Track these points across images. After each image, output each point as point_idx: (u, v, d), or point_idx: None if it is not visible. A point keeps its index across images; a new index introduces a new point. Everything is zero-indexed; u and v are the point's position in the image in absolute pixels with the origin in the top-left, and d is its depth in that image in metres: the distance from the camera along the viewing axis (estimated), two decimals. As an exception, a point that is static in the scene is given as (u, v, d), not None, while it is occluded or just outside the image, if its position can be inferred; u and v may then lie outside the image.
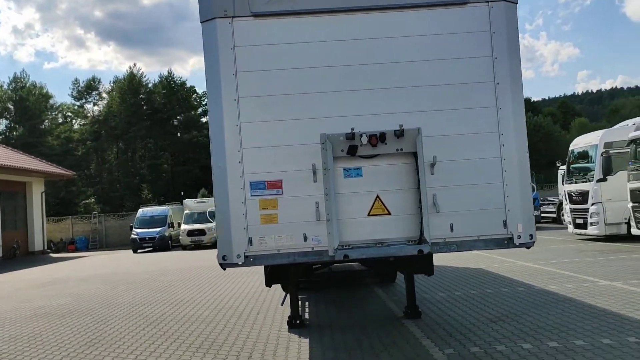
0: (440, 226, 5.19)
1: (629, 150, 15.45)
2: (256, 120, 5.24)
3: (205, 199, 31.94)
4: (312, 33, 5.26)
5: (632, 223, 15.65)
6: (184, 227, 30.65)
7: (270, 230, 5.22)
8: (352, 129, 5.13)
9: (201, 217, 29.81)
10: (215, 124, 5.25)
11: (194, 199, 33.81)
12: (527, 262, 14.59)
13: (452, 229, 5.19)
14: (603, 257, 15.44)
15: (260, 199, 5.23)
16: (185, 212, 31.69)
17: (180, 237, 30.73)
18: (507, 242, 5.29)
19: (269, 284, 9.18)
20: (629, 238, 17.41)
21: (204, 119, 57.96)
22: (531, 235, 5.28)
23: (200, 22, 5.33)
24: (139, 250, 30.74)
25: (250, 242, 5.21)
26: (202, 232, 29.99)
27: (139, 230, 31.21)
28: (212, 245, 30.90)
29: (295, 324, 8.72)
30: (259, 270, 17.55)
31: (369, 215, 5.25)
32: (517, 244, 5.26)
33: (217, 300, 12.46)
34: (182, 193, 37.10)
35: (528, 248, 5.42)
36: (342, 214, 5.21)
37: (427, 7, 5.28)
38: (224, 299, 12.49)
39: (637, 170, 15.04)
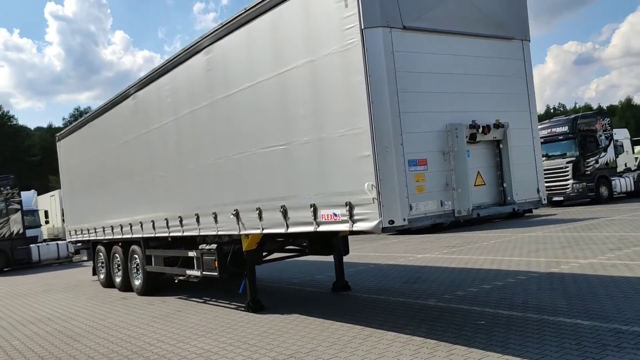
0: (511, 193, 7.40)
1: None
2: (411, 111, 6.59)
3: None
4: (445, 47, 6.91)
5: None
6: None
7: (421, 198, 6.62)
8: (473, 120, 6.97)
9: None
10: (381, 112, 6.40)
11: None
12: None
13: (516, 195, 7.45)
14: (381, 242, 19.18)
15: (414, 173, 6.59)
16: None
17: None
18: (537, 203, 7.82)
19: (225, 273, 9.86)
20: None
21: None
22: (545, 198, 7.92)
23: (363, 28, 6.42)
24: None
25: (410, 208, 6.52)
26: None
27: None
28: None
29: (257, 307, 9.70)
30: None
31: (474, 185, 7.12)
32: (542, 204, 7.86)
33: (104, 316, 11.84)
34: None
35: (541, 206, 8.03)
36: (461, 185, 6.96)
37: (495, 38, 7.49)
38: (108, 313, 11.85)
39: None
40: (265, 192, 8.29)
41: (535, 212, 24.60)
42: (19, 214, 25.60)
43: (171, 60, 10.60)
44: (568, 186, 25.97)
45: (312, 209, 7.37)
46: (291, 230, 7.93)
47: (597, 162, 26.77)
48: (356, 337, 7.34)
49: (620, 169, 28.53)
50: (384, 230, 6.48)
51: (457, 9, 7.10)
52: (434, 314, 8.23)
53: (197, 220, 10.11)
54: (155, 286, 12.91)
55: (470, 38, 7.22)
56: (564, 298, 8.30)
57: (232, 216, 9.04)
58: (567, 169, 26.08)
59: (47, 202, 32.86)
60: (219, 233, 9.64)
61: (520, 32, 7.77)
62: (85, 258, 17.48)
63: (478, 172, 7.20)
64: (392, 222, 6.41)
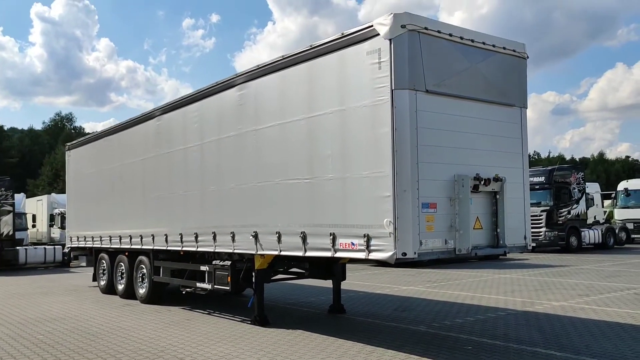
0: (503, 237, 8.61)
1: None
2: (427, 161, 7.77)
3: None
4: (458, 109, 8.15)
5: None
6: None
7: (429, 236, 7.77)
8: (477, 173, 8.19)
9: None
10: (402, 160, 7.57)
11: None
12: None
13: (505, 239, 8.65)
14: (365, 272, 20.25)
15: (426, 214, 7.75)
16: None
17: None
18: (524, 248, 9.04)
19: (238, 290, 10.89)
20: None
21: None
22: (529, 244, 9.15)
23: (393, 89, 7.62)
24: None
25: (421, 243, 7.66)
26: None
27: None
28: None
29: (263, 321, 10.71)
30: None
31: (473, 228, 8.31)
32: (528, 250, 9.09)
33: (106, 315, 12.65)
34: None
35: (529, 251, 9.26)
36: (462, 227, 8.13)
37: (499, 104, 8.77)
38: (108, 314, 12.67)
39: None
40: (287, 218, 9.35)
41: (508, 255, 25.94)
42: (10, 215, 26.09)
43: (202, 91, 11.69)
44: (541, 233, 27.46)
45: (331, 237, 8.46)
46: (308, 254, 8.99)
47: (569, 213, 28.41)
48: (361, 352, 8.38)
49: (589, 221, 30.24)
50: (397, 260, 7.60)
51: (470, 78, 8.38)
52: (426, 338, 9.32)
53: (214, 237, 11.09)
54: (159, 295, 13.77)
55: (479, 103, 8.49)
56: (540, 333, 9.47)
57: (251, 237, 10.06)
58: (540, 217, 27.62)
59: (34, 207, 33.28)
60: (235, 251, 10.64)
61: (519, 100, 9.08)
62: (83, 264, 18.19)
63: (477, 217, 8.39)
64: (404, 254, 7.54)
